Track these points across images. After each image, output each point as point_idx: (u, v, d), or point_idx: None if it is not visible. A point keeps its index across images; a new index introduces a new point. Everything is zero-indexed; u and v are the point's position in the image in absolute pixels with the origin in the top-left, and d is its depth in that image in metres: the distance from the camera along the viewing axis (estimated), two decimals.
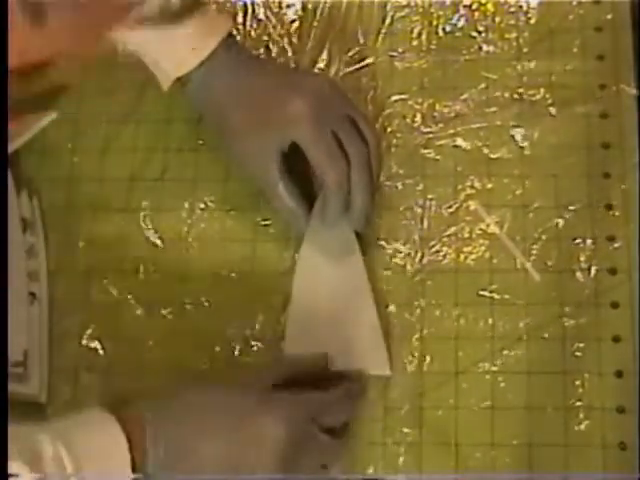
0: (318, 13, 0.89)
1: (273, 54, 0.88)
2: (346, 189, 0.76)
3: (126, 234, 0.84)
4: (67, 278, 0.83)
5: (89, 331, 0.80)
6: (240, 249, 0.82)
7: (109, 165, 0.86)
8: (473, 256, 0.78)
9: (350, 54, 0.87)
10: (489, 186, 0.80)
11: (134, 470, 0.63)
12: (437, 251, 0.79)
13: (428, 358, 0.76)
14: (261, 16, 0.90)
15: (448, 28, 0.87)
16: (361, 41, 0.87)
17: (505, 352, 0.75)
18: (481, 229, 0.79)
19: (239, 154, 0.80)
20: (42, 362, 0.80)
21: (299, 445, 0.68)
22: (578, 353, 0.74)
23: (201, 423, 0.67)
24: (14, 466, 0.58)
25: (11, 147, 0.81)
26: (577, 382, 0.73)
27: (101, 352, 0.80)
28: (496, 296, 0.77)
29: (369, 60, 0.86)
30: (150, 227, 0.83)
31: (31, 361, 0.79)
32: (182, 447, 0.66)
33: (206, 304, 0.80)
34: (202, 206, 0.84)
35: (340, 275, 0.79)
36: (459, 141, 0.82)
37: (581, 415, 0.72)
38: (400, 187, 0.82)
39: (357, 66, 0.86)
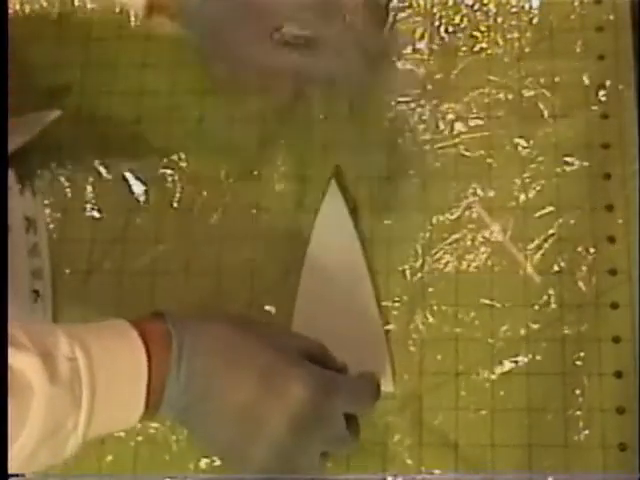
0: None
1: None
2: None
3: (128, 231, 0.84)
4: (70, 275, 0.83)
5: None
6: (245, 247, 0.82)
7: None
8: (475, 263, 0.78)
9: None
10: (491, 186, 0.80)
11: (152, 389, 0.62)
12: (439, 258, 0.79)
13: (428, 360, 0.76)
14: None
15: (450, 29, 0.87)
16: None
17: (505, 353, 0.75)
18: (484, 237, 0.79)
19: (230, 63, 0.78)
20: None
21: (318, 416, 0.66)
22: (578, 354, 0.74)
23: (230, 359, 0.65)
24: (26, 359, 0.56)
25: (15, 145, 0.82)
26: (577, 383, 0.73)
27: None
28: (497, 305, 0.77)
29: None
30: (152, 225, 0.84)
31: None
32: (206, 378, 0.64)
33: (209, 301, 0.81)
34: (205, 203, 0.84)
35: (344, 283, 0.79)
36: (461, 142, 0.82)
37: (581, 416, 0.73)
38: (402, 190, 0.82)
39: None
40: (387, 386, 0.75)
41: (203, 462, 0.76)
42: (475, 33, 0.86)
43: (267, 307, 0.80)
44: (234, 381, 0.65)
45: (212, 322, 0.67)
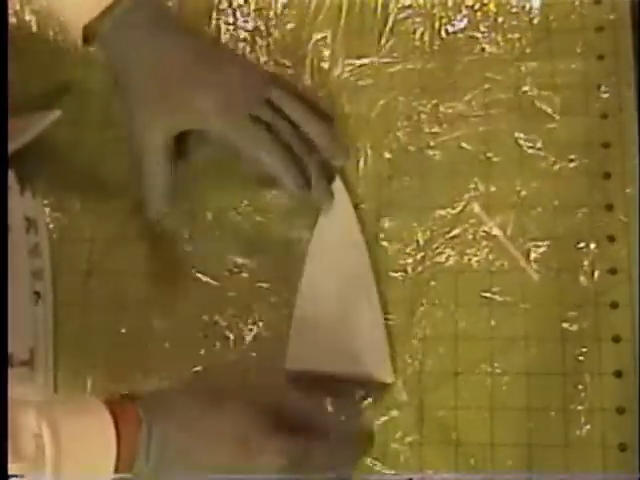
0: (321, 14, 0.89)
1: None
2: (289, 161, 0.77)
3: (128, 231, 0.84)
4: (71, 277, 0.83)
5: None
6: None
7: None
8: (476, 258, 0.78)
9: (352, 56, 0.87)
10: (490, 186, 0.80)
11: (121, 466, 0.62)
12: (440, 253, 0.79)
13: (429, 358, 0.76)
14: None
15: (450, 29, 0.86)
16: (363, 43, 0.87)
17: (505, 352, 0.75)
18: (485, 231, 0.79)
19: (131, 125, 0.78)
20: (48, 361, 0.80)
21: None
22: (578, 353, 0.74)
23: (202, 441, 0.66)
24: None
25: (15, 145, 0.81)
26: (577, 383, 0.73)
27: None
28: (499, 298, 0.76)
29: (372, 61, 0.87)
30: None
31: (37, 360, 0.79)
32: (178, 454, 0.65)
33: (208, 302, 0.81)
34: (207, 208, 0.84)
35: (346, 279, 0.79)
36: (462, 142, 0.82)
37: (581, 416, 0.72)
38: (404, 187, 0.81)
39: (359, 68, 0.87)
40: (387, 377, 0.76)
41: None
42: (475, 34, 0.86)
43: (271, 299, 0.80)
44: (206, 460, 0.65)
45: (182, 402, 0.67)
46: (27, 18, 0.90)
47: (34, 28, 0.90)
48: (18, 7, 0.90)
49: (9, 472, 0.57)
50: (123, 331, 0.81)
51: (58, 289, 0.83)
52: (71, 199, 0.86)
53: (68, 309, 0.82)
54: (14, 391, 0.73)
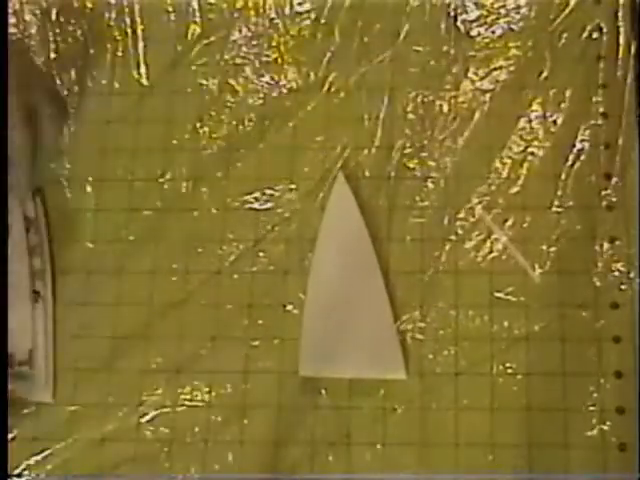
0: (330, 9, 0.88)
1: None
2: None
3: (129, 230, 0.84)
4: (71, 277, 0.83)
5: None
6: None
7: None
8: (478, 262, 0.78)
9: (362, 51, 0.86)
10: (492, 187, 0.80)
11: None
12: (442, 257, 0.79)
13: (429, 359, 0.76)
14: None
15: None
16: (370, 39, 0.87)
17: (505, 353, 0.75)
18: (487, 236, 0.79)
19: None
20: (47, 361, 0.80)
21: None
22: (578, 354, 0.74)
23: None
24: None
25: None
26: (577, 383, 0.73)
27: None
28: (498, 304, 0.77)
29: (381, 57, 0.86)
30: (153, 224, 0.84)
31: (36, 360, 0.79)
32: None
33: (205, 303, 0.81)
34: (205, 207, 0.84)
35: (354, 277, 0.79)
36: (464, 142, 0.82)
37: (581, 416, 0.73)
38: (409, 185, 0.81)
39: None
40: (400, 374, 0.76)
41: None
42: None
43: (277, 301, 0.80)
44: None
45: None
46: (27, 18, 0.91)
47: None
48: (18, 7, 0.91)
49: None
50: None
51: (58, 288, 0.83)
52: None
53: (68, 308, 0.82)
54: (13, 391, 0.74)
